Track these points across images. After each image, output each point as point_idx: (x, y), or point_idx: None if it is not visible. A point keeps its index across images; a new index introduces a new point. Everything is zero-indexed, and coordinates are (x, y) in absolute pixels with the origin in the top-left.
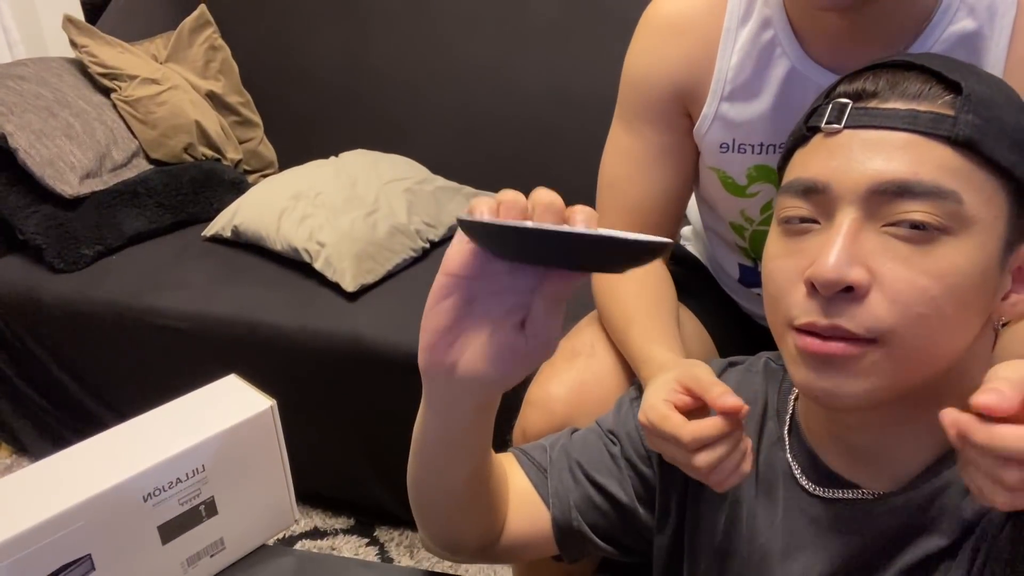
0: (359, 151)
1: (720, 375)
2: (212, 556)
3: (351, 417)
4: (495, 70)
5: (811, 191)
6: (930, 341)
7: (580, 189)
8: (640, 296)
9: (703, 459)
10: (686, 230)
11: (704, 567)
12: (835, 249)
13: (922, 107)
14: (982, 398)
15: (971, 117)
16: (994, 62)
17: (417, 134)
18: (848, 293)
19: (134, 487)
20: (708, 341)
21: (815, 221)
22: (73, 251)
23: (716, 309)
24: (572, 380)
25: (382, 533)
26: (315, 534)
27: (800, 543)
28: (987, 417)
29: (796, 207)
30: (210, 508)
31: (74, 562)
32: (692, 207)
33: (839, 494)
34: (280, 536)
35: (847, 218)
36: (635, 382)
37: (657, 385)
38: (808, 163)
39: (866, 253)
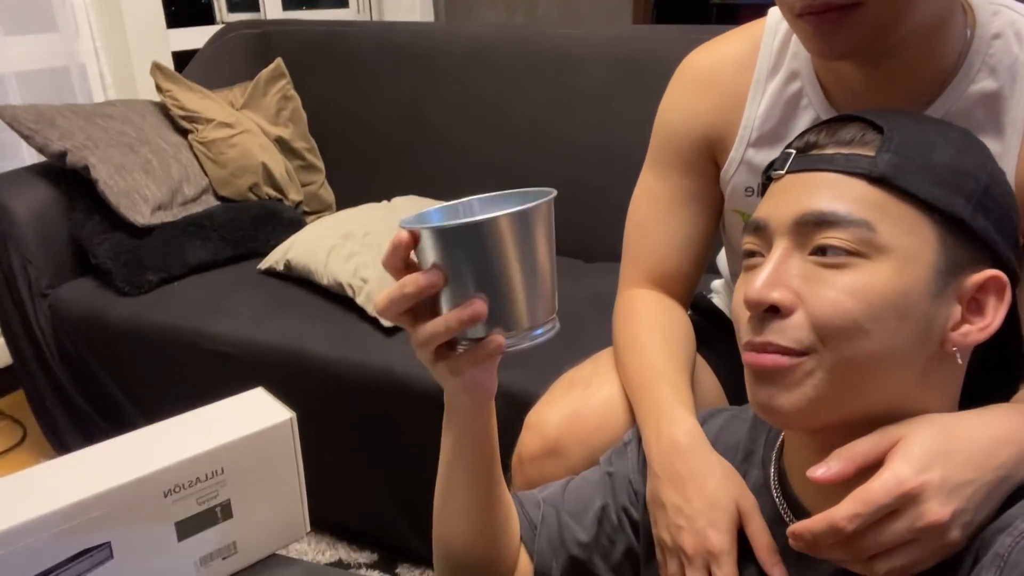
0: (411, 197)
1: (703, 423)
2: (225, 559)
3: (379, 449)
4: (543, 127)
5: (758, 228)
6: (855, 354)
7: (620, 242)
8: (667, 350)
9: None
10: (716, 283)
11: None
12: (762, 274)
13: (848, 150)
14: (811, 472)
15: (889, 156)
16: (1013, 121)
17: (467, 184)
18: (776, 312)
19: (155, 482)
20: (721, 394)
21: (761, 254)
22: (139, 276)
23: (733, 363)
24: (567, 408)
25: (404, 571)
26: (339, 567)
27: None
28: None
29: (748, 243)
30: (226, 511)
31: (94, 548)
32: (723, 258)
33: None
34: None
35: (779, 248)
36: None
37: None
38: (761, 205)
39: (792, 277)
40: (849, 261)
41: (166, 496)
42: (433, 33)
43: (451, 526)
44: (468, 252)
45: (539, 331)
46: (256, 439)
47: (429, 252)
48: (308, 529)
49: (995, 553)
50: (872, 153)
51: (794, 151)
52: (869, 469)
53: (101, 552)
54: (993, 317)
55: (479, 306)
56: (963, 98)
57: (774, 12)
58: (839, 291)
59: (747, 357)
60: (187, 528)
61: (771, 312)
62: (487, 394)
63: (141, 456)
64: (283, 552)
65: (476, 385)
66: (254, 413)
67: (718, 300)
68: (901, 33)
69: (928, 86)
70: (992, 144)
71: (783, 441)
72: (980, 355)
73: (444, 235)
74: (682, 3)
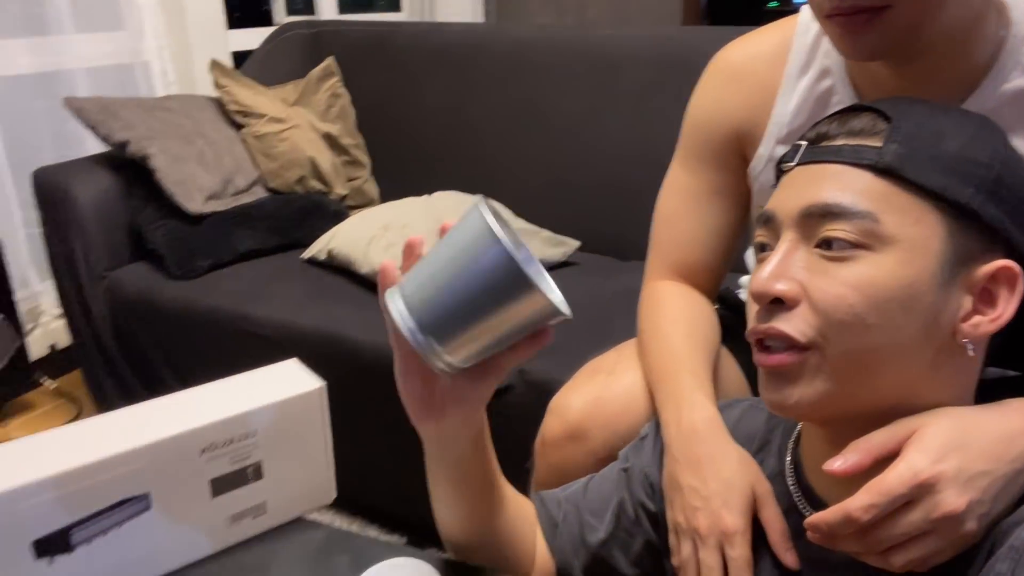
0: (451, 192)
1: (722, 412)
2: (254, 517)
3: (412, 433)
4: (584, 127)
5: (768, 220)
6: (858, 347)
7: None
8: (690, 340)
9: None
10: (744, 279)
11: None
12: (768, 266)
13: (856, 141)
14: (828, 465)
15: (895, 146)
16: None
17: (507, 182)
18: (781, 304)
19: (192, 439)
20: (745, 386)
21: (771, 246)
22: (190, 262)
23: None
24: (589, 394)
25: (432, 554)
26: None
27: (809, 572)
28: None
29: (759, 235)
30: (256, 472)
31: (134, 498)
32: (752, 254)
33: None
34: None
35: (786, 240)
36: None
37: (733, 494)
38: (771, 198)
39: (797, 269)
40: (854, 254)
41: (202, 454)
42: (477, 34)
43: (452, 532)
44: (489, 281)
45: (449, 357)
46: (288, 405)
47: (468, 248)
48: (335, 495)
49: (1010, 546)
50: (879, 143)
51: (805, 143)
52: (885, 461)
53: (140, 502)
54: (1005, 308)
55: (413, 241)
56: (995, 97)
57: (807, 9)
58: (842, 284)
59: (756, 357)
60: (220, 485)
61: (776, 304)
62: (445, 434)
63: (180, 415)
64: (311, 518)
65: (425, 410)
66: (287, 381)
67: (744, 295)
68: (931, 34)
69: (960, 85)
70: (1022, 144)
71: (800, 432)
72: (1002, 351)
73: (495, 252)
74: (735, 6)
